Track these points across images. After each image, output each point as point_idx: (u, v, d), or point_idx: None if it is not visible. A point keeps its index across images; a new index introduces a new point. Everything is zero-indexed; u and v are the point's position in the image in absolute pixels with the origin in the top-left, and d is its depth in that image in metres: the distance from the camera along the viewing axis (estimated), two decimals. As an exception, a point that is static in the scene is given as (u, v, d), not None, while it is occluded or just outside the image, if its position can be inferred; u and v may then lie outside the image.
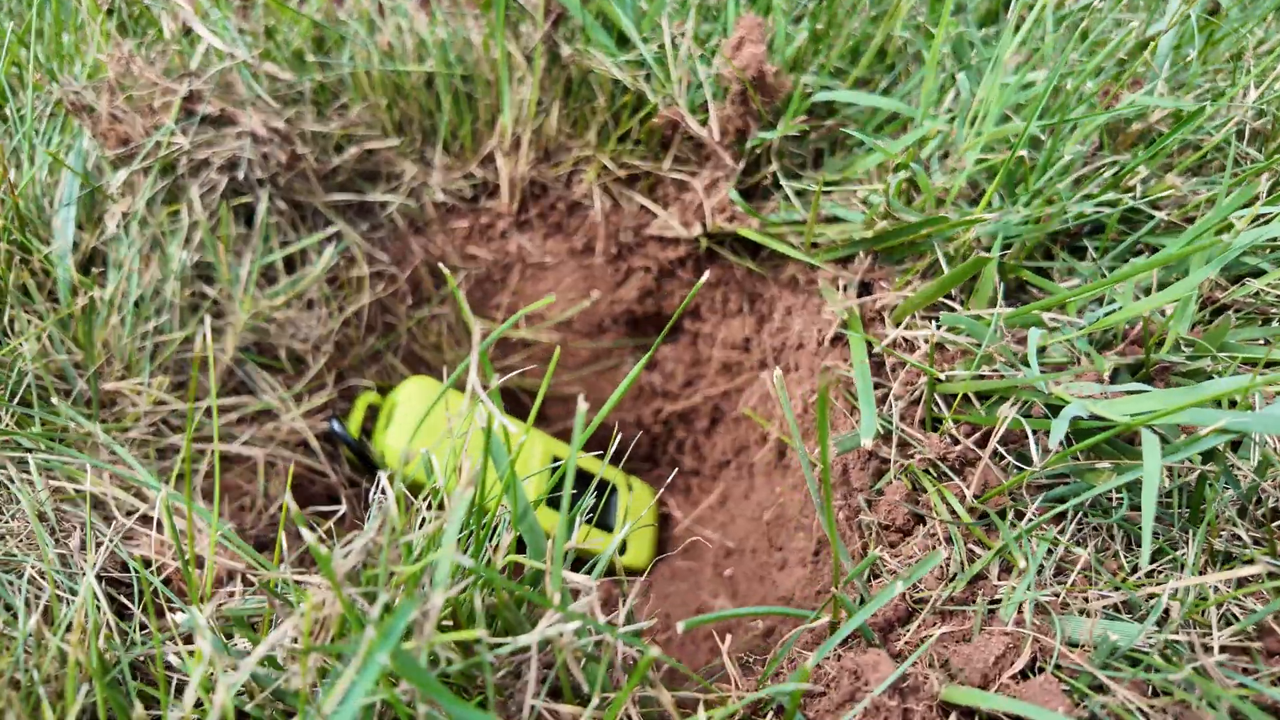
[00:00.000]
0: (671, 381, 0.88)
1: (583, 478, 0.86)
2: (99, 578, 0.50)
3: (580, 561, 0.85)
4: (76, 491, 0.56)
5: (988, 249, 0.60)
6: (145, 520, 0.58)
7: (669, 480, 0.92)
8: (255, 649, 0.33)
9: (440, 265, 0.43)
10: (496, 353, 0.88)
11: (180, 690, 0.40)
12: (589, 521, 0.83)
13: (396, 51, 0.75)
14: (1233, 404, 0.52)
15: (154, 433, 0.64)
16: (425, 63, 0.75)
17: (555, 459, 0.82)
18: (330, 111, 0.76)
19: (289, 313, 0.72)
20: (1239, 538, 0.49)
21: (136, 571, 0.46)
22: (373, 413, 0.78)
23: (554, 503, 0.81)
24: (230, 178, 0.70)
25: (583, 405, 0.35)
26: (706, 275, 0.39)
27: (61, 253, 0.65)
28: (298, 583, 0.37)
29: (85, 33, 0.73)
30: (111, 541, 0.49)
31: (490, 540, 0.41)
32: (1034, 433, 0.49)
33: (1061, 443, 0.49)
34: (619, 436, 0.94)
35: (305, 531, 0.36)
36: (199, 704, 0.39)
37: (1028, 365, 0.51)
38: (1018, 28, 0.64)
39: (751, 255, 0.76)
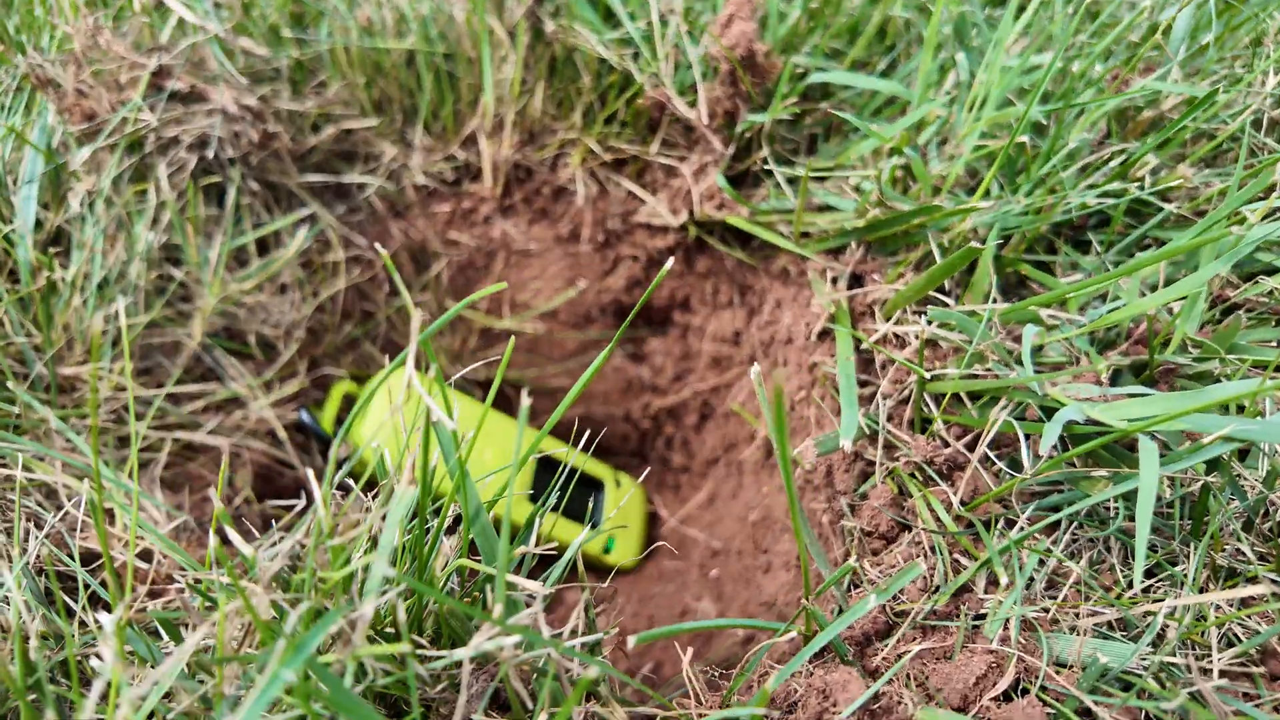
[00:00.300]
0: (661, 375, 0.86)
1: (571, 473, 0.83)
2: (40, 571, 0.48)
3: (554, 560, 0.82)
4: (31, 480, 0.54)
5: (984, 240, 0.57)
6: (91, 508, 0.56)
7: (656, 478, 0.90)
8: (169, 657, 0.31)
9: (375, 246, 0.40)
10: (480, 343, 0.86)
11: (103, 696, 0.38)
12: (573, 517, 0.81)
13: (376, 27, 0.72)
14: (1240, 409, 0.48)
15: (115, 420, 0.62)
16: (406, 39, 0.73)
17: (537, 452, 0.80)
18: (307, 89, 0.74)
19: (260, 297, 0.70)
20: (1243, 553, 0.46)
21: (71, 567, 0.44)
22: (349, 403, 0.76)
23: (538, 498, 0.78)
24: (200, 156, 0.68)
25: (526, 400, 0.32)
26: (670, 263, 0.36)
27: (23, 231, 0.62)
28: (227, 585, 0.35)
29: (55, 4, 0.70)
30: (44, 532, 0.46)
31: (443, 538, 0.39)
32: (1027, 437, 0.46)
33: (1055, 448, 0.46)
34: (606, 432, 0.91)
35: (232, 533, 0.34)
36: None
37: (1022, 365, 0.48)
38: (1022, 7, 0.60)
39: (742, 245, 0.72)
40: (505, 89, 0.72)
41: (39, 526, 0.51)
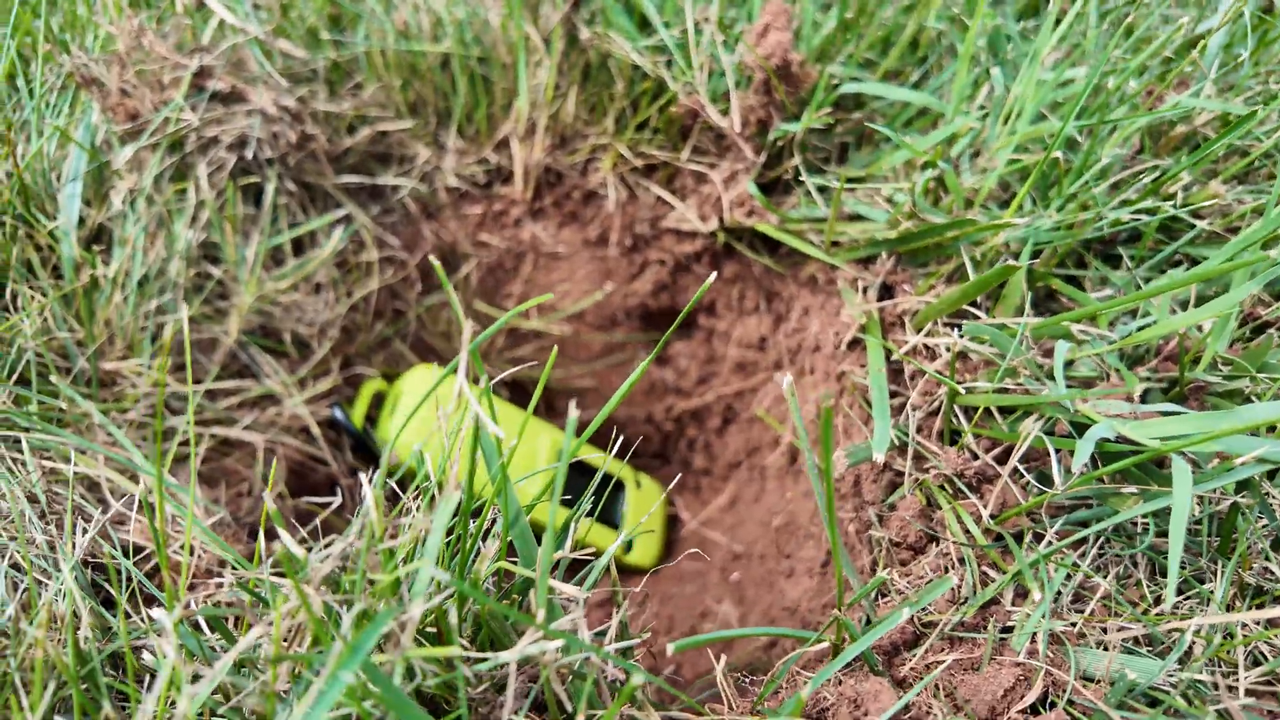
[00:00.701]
0: (685, 378, 0.86)
1: (591, 473, 0.84)
2: (86, 564, 0.50)
3: (577, 559, 0.83)
4: (75, 474, 0.56)
5: (1016, 255, 0.57)
6: (139, 504, 0.57)
7: (678, 480, 0.90)
8: (225, 654, 0.32)
9: (430, 258, 0.41)
10: (507, 342, 0.87)
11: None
12: (594, 517, 0.82)
13: (412, 31, 0.73)
14: (1271, 430, 0.49)
15: (153, 414, 0.63)
16: (442, 43, 0.74)
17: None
18: (343, 91, 0.75)
19: (295, 296, 0.71)
20: (1271, 572, 0.46)
21: (119, 560, 0.45)
22: (379, 400, 0.77)
23: (563, 500, 0.79)
24: (239, 156, 0.69)
25: (574, 412, 0.33)
26: (713, 278, 0.37)
27: (66, 228, 0.64)
28: (275, 584, 0.36)
29: (98, 4, 0.72)
30: (94, 527, 0.48)
31: (481, 543, 0.40)
32: (1057, 452, 0.46)
33: (1085, 465, 0.47)
34: (628, 432, 0.92)
35: (284, 534, 0.35)
36: (172, 702, 0.38)
37: (1053, 379, 0.48)
38: (1058, 21, 0.61)
39: (770, 252, 0.73)
40: (539, 94, 0.73)
41: (85, 519, 0.53)
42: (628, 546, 0.83)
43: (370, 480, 0.43)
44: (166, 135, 0.66)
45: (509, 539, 0.40)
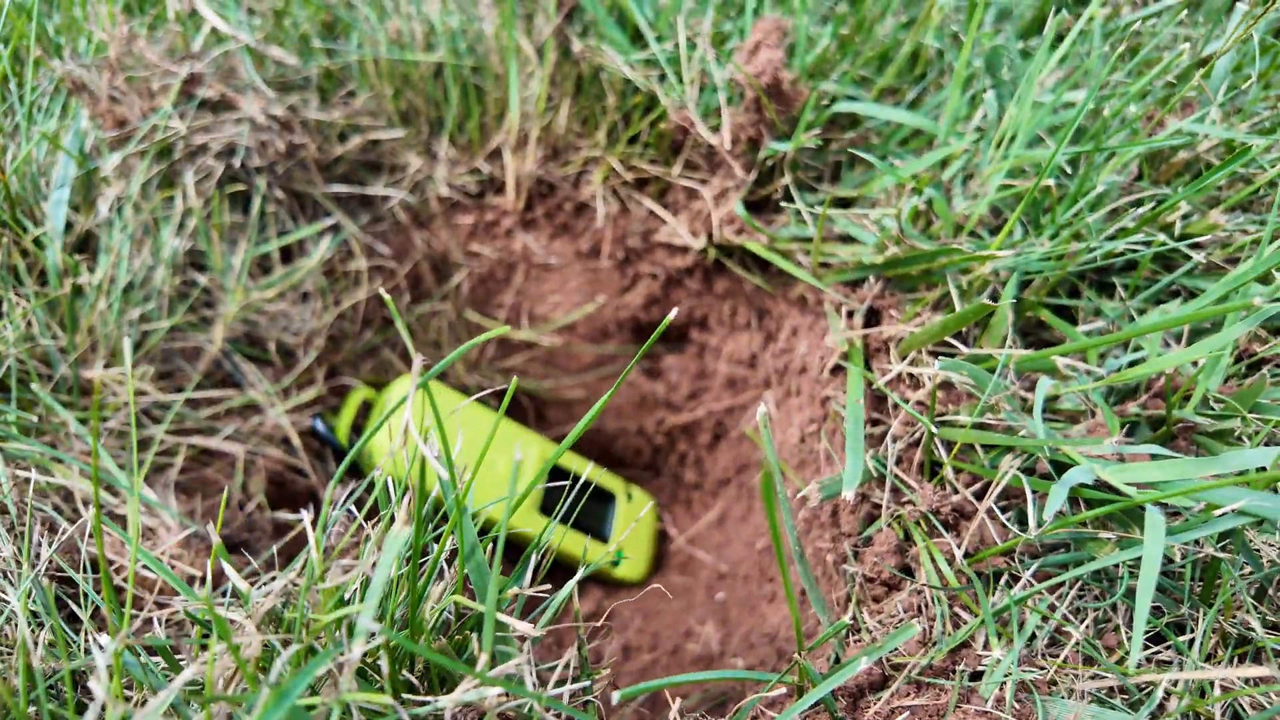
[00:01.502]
0: (676, 392, 0.86)
1: (583, 485, 0.83)
2: (53, 578, 0.49)
3: (567, 568, 0.82)
4: (50, 484, 0.56)
5: (1005, 283, 0.56)
6: (114, 516, 0.57)
7: (668, 494, 0.90)
8: (170, 683, 0.31)
9: (380, 290, 0.41)
10: (498, 352, 0.86)
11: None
12: (584, 530, 0.81)
13: (405, 39, 0.73)
14: (1262, 469, 0.47)
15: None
16: (435, 52, 0.73)
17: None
18: (335, 99, 0.74)
19: (282, 305, 0.71)
20: (1254, 623, 0.45)
21: (77, 577, 0.45)
22: (366, 410, 0.76)
23: (550, 510, 0.78)
24: (227, 164, 0.68)
25: (519, 454, 0.32)
26: (673, 314, 0.36)
27: (53, 234, 0.64)
28: (221, 618, 0.35)
29: (91, 10, 0.72)
30: (58, 540, 0.47)
31: (437, 573, 0.39)
32: (1034, 493, 0.45)
33: (1065, 508, 0.46)
34: (619, 445, 0.91)
35: (228, 568, 0.34)
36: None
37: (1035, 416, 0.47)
38: (1057, 41, 0.59)
39: (761, 270, 0.72)
40: (531, 105, 0.72)
41: (53, 531, 0.53)
42: (616, 561, 0.83)
43: (330, 502, 0.43)
44: (154, 143, 0.66)
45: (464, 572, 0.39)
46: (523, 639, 0.39)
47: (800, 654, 0.39)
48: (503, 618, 0.37)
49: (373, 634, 0.32)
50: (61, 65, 0.66)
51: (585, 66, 0.71)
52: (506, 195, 0.77)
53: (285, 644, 0.33)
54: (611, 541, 0.84)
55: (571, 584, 0.41)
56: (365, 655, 0.36)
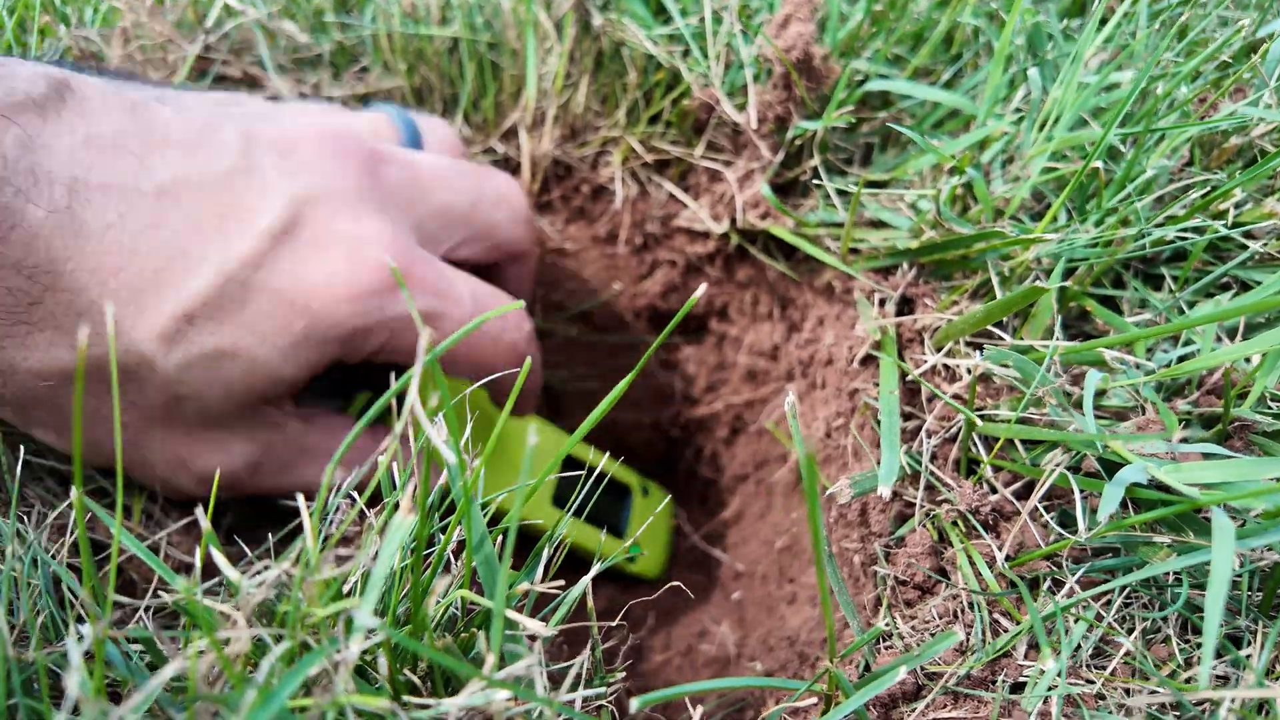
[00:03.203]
0: (693, 385, 0.83)
1: (598, 478, 0.81)
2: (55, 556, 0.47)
3: (581, 562, 0.80)
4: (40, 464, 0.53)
5: (1049, 272, 0.53)
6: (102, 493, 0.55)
7: (683, 489, 0.87)
8: (132, 696, 0.29)
9: (392, 266, 0.38)
10: (510, 340, 0.83)
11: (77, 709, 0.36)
12: (598, 524, 0.78)
13: (420, 13, 0.70)
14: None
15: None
16: (450, 26, 0.70)
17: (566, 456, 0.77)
18: (348, 74, 0.72)
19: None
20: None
21: (55, 565, 0.43)
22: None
23: (564, 502, 0.76)
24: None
25: (532, 439, 0.29)
26: (702, 289, 0.33)
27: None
28: (210, 609, 0.33)
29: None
30: (46, 523, 0.45)
31: (437, 574, 0.36)
32: (1082, 493, 0.42)
33: (1116, 512, 0.43)
34: (634, 438, 0.89)
35: (219, 557, 0.32)
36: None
37: (1082, 411, 0.44)
38: (1104, 20, 0.56)
39: (785, 256, 0.69)
40: (549, 82, 0.70)
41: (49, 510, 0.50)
42: (632, 556, 0.80)
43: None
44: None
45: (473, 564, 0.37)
46: (533, 638, 0.37)
47: (832, 661, 0.36)
48: (513, 615, 0.35)
49: (371, 631, 0.30)
50: (70, 33, 0.64)
51: (606, 42, 0.68)
52: (522, 176, 0.75)
53: (278, 640, 0.31)
54: (627, 536, 0.81)
55: (586, 580, 0.38)
56: (365, 654, 0.33)
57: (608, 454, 0.87)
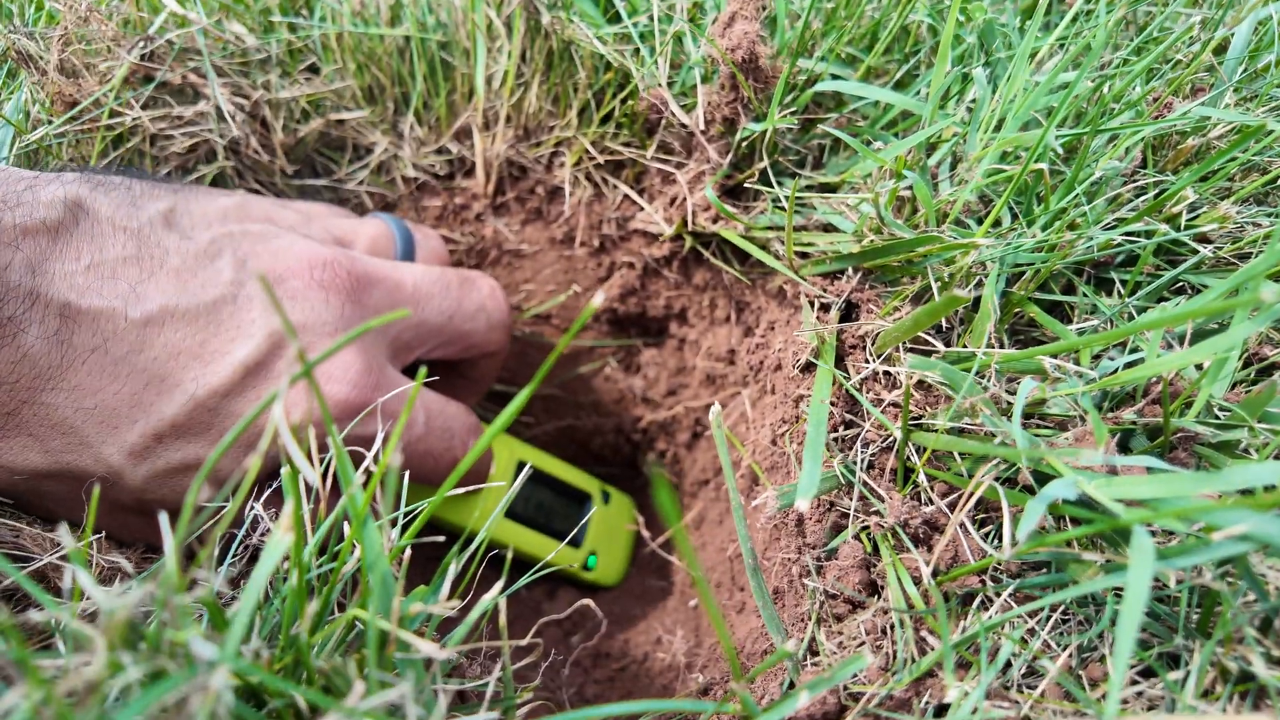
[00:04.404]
0: (654, 388, 0.82)
1: (555, 486, 0.80)
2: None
3: (547, 575, 0.79)
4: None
5: (997, 276, 0.51)
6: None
7: (647, 495, 0.86)
8: None
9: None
10: (469, 343, 0.82)
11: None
12: (554, 532, 0.77)
13: (370, 13, 0.69)
14: (1271, 488, 0.42)
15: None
16: (401, 25, 0.69)
17: (521, 464, 0.76)
18: (297, 73, 0.71)
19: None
20: (1262, 656, 0.40)
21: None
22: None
23: (516, 515, 0.75)
24: (188, 147, 0.65)
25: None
26: (599, 299, 0.32)
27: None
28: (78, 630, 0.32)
29: (42, -24, 0.68)
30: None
31: (310, 595, 0.35)
32: (1011, 508, 0.41)
33: (1048, 525, 0.41)
34: (597, 442, 0.88)
35: (82, 575, 0.31)
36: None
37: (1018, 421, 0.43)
38: (1047, 11, 0.54)
39: (740, 259, 0.68)
40: (499, 82, 0.69)
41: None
42: (588, 564, 0.79)
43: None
44: (102, 126, 0.62)
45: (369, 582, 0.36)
46: (429, 662, 0.36)
47: (738, 682, 0.35)
48: (406, 636, 0.34)
49: (285, 637, 0.29)
50: (5, 33, 0.63)
51: (556, 41, 0.66)
52: (476, 177, 0.73)
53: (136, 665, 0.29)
54: (585, 544, 0.80)
55: (490, 599, 0.37)
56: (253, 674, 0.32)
57: (571, 461, 0.86)
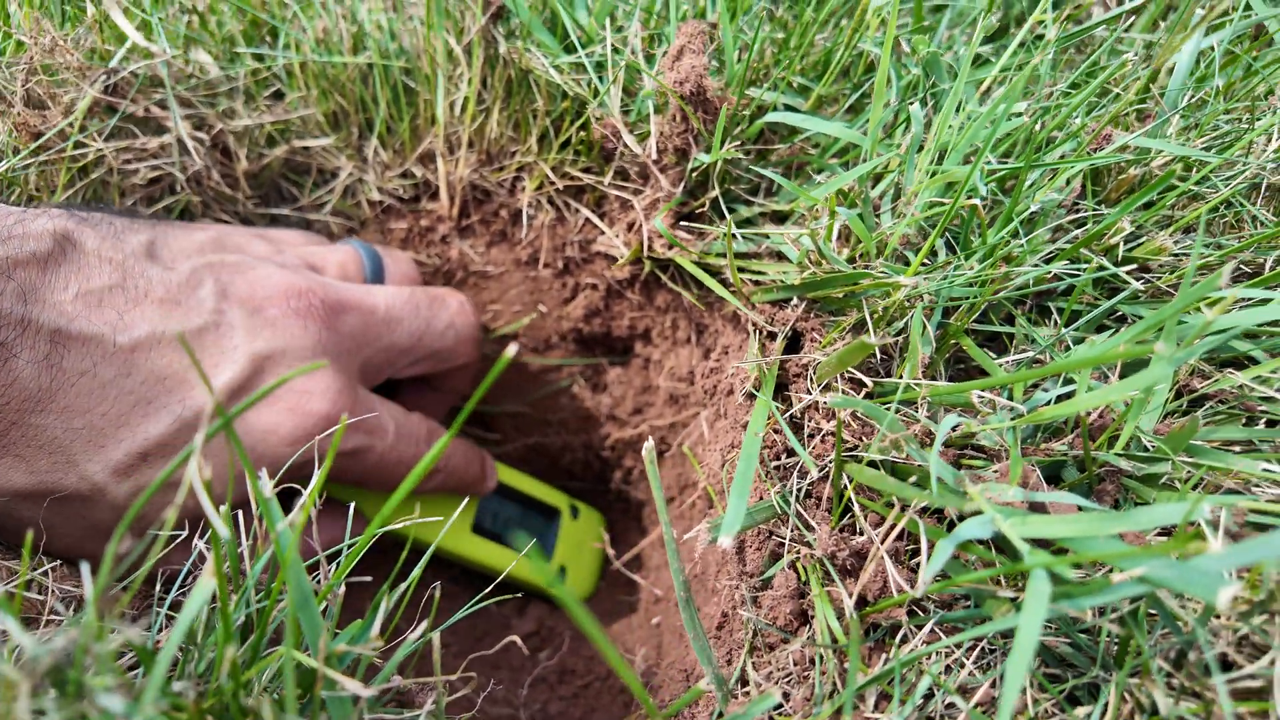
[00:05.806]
0: (621, 406, 0.83)
1: (524, 501, 0.81)
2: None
3: (503, 586, 0.79)
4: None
5: (931, 309, 0.52)
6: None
7: (617, 512, 0.87)
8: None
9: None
10: (438, 362, 0.84)
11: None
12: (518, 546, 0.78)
13: (332, 40, 0.70)
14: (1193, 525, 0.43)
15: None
16: (362, 53, 0.70)
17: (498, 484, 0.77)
18: (261, 99, 0.72)
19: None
20: (1172, 687, 0.41)
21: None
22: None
23: (482, 530, 0.76)
24: (150, 179, 0.66)
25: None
26: (512, 349, 0.33)
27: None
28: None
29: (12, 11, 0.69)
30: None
31: (264, 637, 0.36)
32: (930, 543, 0.42)
33: (974, 562, 0.42)
34: (566, 460, 0.89)
35: (9, 621, 0.32)
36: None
37: (940, 453, 0.44)
38: (988, 41, 0.55)
39: (697, 285, 0.69)
40: (459, 108, 0.70)
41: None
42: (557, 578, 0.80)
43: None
44: (66, 158, 0.63)
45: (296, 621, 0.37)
46: (356, 699, 0.37)
47: (653, 717, 0.36)
48: (334, 675, 0.35)
49: (222, 670, 0.30)
50: (-30, 66, 0.64)
51: (514, 70, 0.67)
52: (440, 201, 0.75)
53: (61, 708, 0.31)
54: (553, 559, 0.81)
55: (418, 638, 0.38)
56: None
57: (540, 478, 0.87)
